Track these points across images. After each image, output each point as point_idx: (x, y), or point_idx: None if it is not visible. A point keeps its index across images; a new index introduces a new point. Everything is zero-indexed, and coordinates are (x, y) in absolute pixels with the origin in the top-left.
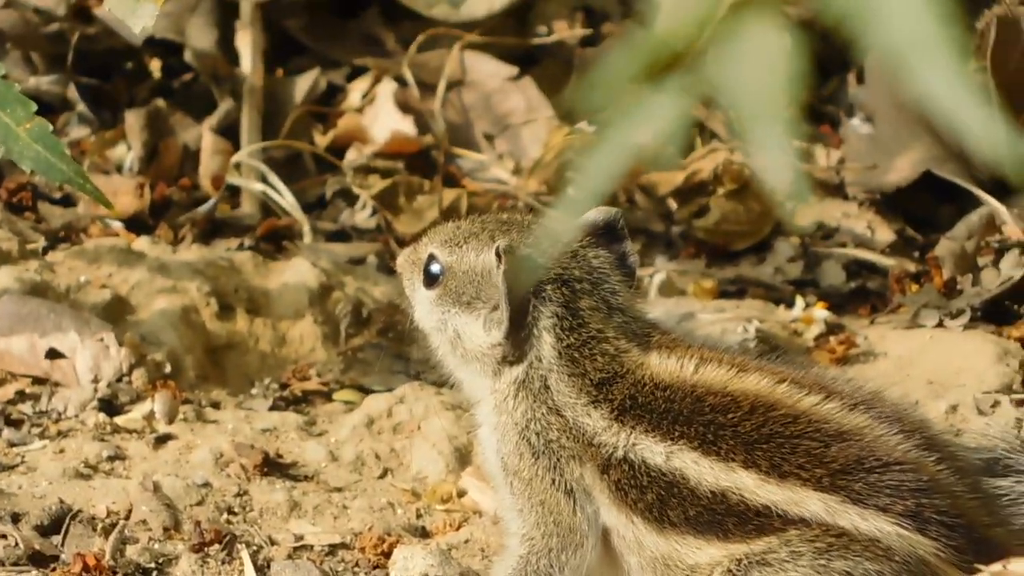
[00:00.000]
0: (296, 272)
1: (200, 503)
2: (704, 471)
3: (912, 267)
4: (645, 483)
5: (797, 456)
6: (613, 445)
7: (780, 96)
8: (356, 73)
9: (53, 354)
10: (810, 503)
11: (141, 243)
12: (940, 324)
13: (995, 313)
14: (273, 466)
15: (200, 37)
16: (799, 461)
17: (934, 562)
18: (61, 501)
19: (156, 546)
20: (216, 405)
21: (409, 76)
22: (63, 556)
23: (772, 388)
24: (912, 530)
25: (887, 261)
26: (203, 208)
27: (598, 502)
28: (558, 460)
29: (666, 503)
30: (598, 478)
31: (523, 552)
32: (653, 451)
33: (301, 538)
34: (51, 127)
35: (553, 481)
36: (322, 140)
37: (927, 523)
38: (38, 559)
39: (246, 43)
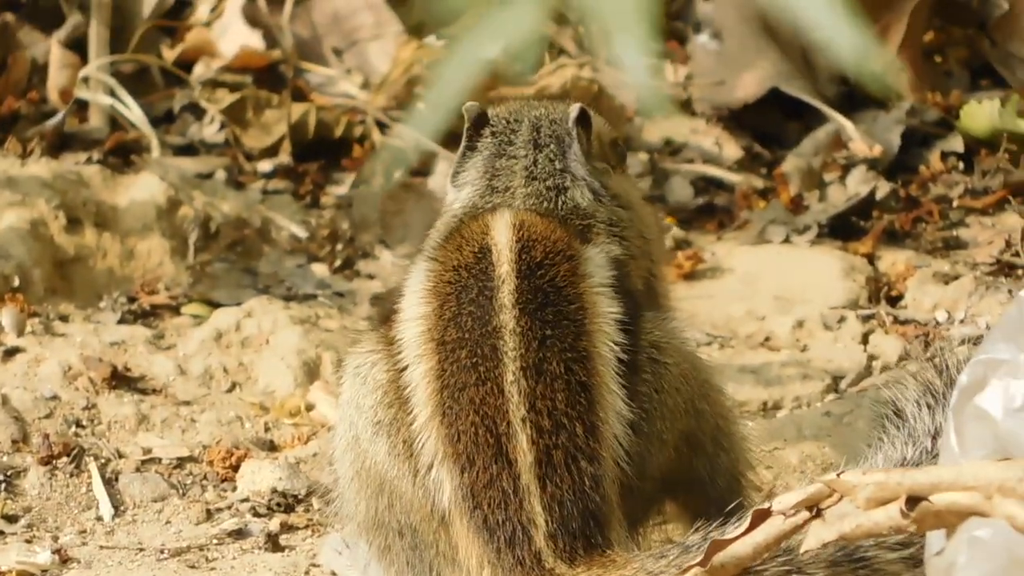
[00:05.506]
0: (144, 186)
1: (48, 416)
2: None
3: (759, 183)
4: None
5: None
6: None
7: (637, 9)
8: None
9: None
10: None
11: None
12: (787, 240)
13: (841, 229)
14: (121, 379)
15: None
16: None
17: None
18: None
19: (4, 459)
20: (64, 318)
21: None
22: None
23: None
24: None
25: (734, 177)
26: (51, 122)
27: None
28: None
29: None
30: None
31: None
32: None
33: (149, 451)
34: None
35: None
36: (170, 54)
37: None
38: None
39: None
